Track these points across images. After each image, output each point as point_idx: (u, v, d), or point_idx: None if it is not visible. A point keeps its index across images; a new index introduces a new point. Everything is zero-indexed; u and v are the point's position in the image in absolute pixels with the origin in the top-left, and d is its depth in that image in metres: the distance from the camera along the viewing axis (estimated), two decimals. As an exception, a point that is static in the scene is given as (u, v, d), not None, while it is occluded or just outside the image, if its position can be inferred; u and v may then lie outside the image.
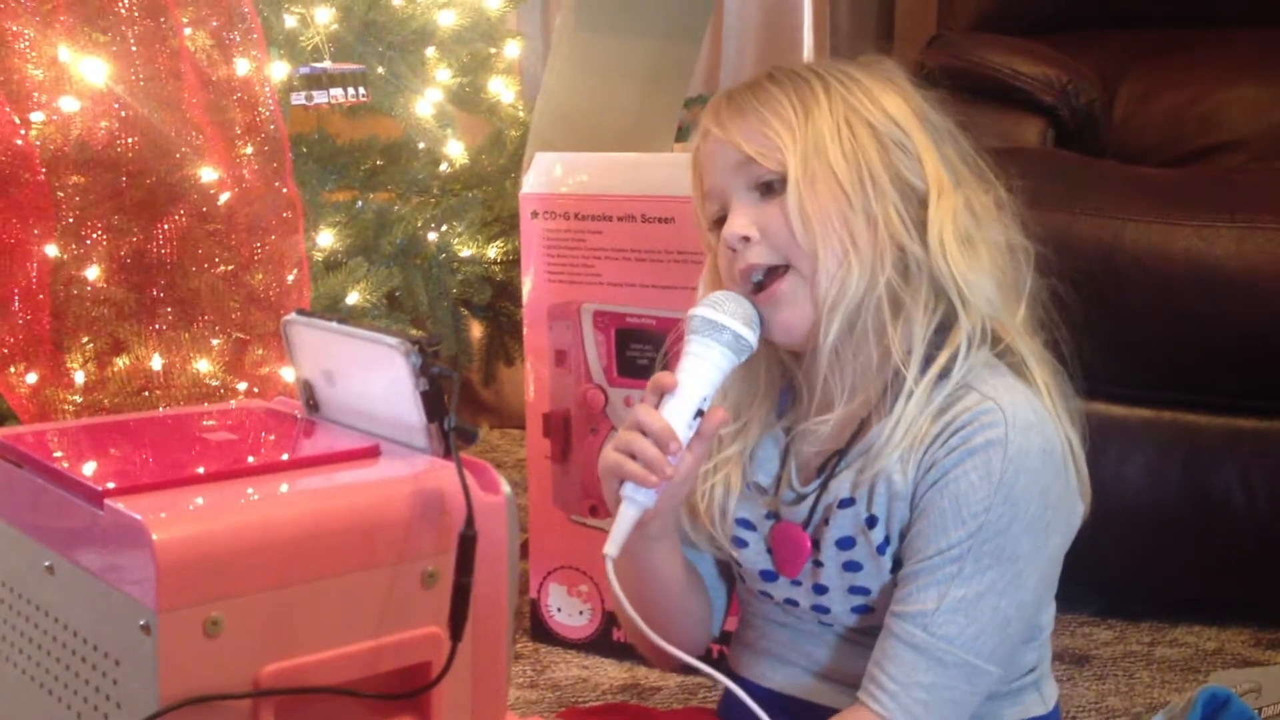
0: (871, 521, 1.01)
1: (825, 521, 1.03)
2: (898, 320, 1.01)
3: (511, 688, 1.52)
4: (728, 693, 1.15)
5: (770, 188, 1.03)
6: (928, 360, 1.00)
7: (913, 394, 0.99)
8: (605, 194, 1.55)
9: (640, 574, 1.08)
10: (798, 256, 1.02)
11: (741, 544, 1.09)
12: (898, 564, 1.01)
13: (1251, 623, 1.67)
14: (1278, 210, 1.62)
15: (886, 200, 1.01)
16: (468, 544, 0.83)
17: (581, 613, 1.62)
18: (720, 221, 1.05)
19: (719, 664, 1.53)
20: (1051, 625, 1.08)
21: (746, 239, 1.03)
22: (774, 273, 1.03)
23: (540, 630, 1.65)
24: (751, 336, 1.02)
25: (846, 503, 1.02)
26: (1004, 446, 0.97)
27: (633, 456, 0.99)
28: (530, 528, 1.65)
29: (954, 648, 0.96)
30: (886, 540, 1.01)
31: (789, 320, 1.03)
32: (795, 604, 1.07)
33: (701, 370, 1.01)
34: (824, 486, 1.04)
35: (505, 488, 0.89)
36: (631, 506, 0.99)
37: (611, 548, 0.99)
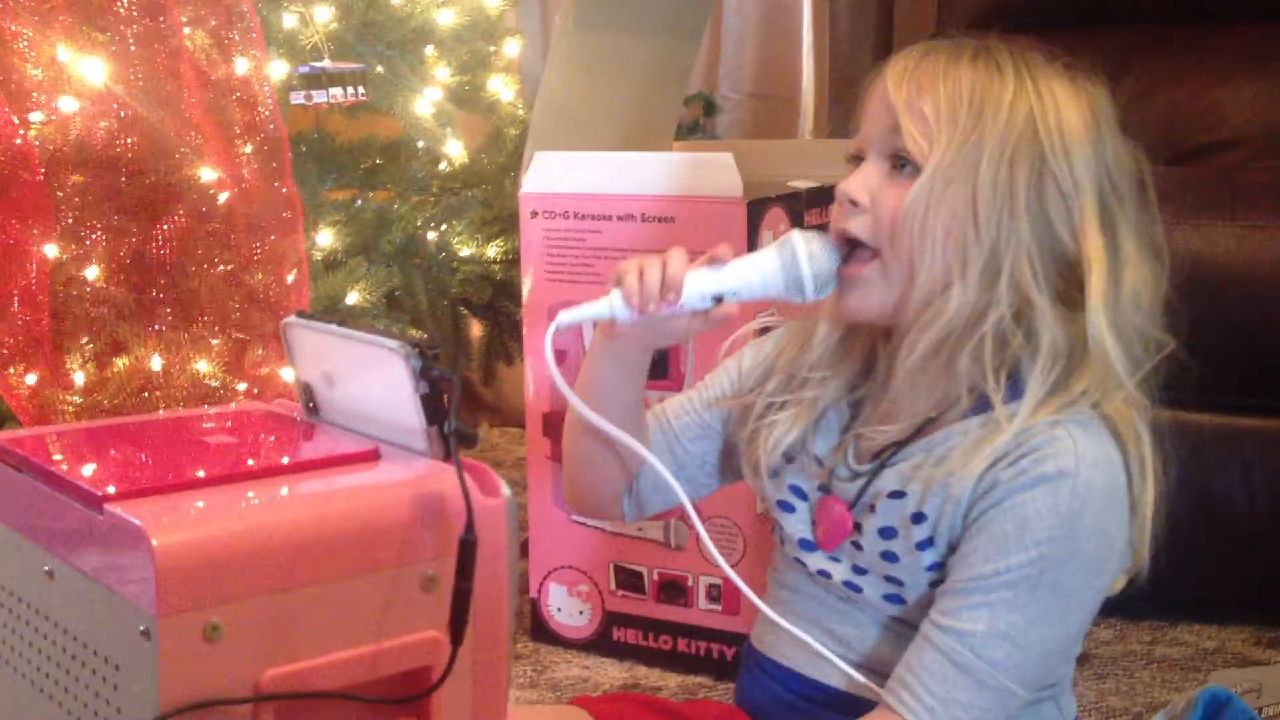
0: (918, 518, 0.99)
1: (871, 508, 1.02)
2: (1001, 366, 0.97)
3: (511, 688, 1.52)
4: (743, 680, 1.15)
5: (903, 164, 0.97)
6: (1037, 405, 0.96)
7: (1007, 432, 0.95)
8: (605, 193, 1.55)
9: (587, 376, 1.08)
10: (890, 251, 0.98)
11: (789, 508, 1.07)
12: (935, 566, 1.00)
13: (1251, 621, 1.68)
14: (1278, 209, 1.62)
15: (1022, 244, 0.95)
16: (468, 548, 0.83)
17: (582, 613, 1.62)
18: (856, 159, 1.01)
19: (723, 664, 1.54)
20: (1080, 645, 1.06)
21: (855, 204, 0.99)
22: (861, 252, 0.99)
23: (540, 630, 1.65)
24: (812, 292, 1.00)
25: (896, 494, 1.00)
26: (1073, 479, 0.94)
27: (641, 279, 0.99)
28: (530, 527, 1.65)
29: (998, 673, 0.94)
30: (930, 541, 0.99)
31: (857, 306, 1.00)
32: (828, 576, 1.05)
33: (750, 273, 1.00)
34: (877, 473, 1.02)
35: (505, 490, 0.89)
36: (605, 305, 1.01)
37: (565, 315, 1.01)
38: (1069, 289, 0.98)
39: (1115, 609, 1.69)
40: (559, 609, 1.64)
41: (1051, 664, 0.99)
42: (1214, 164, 1.99)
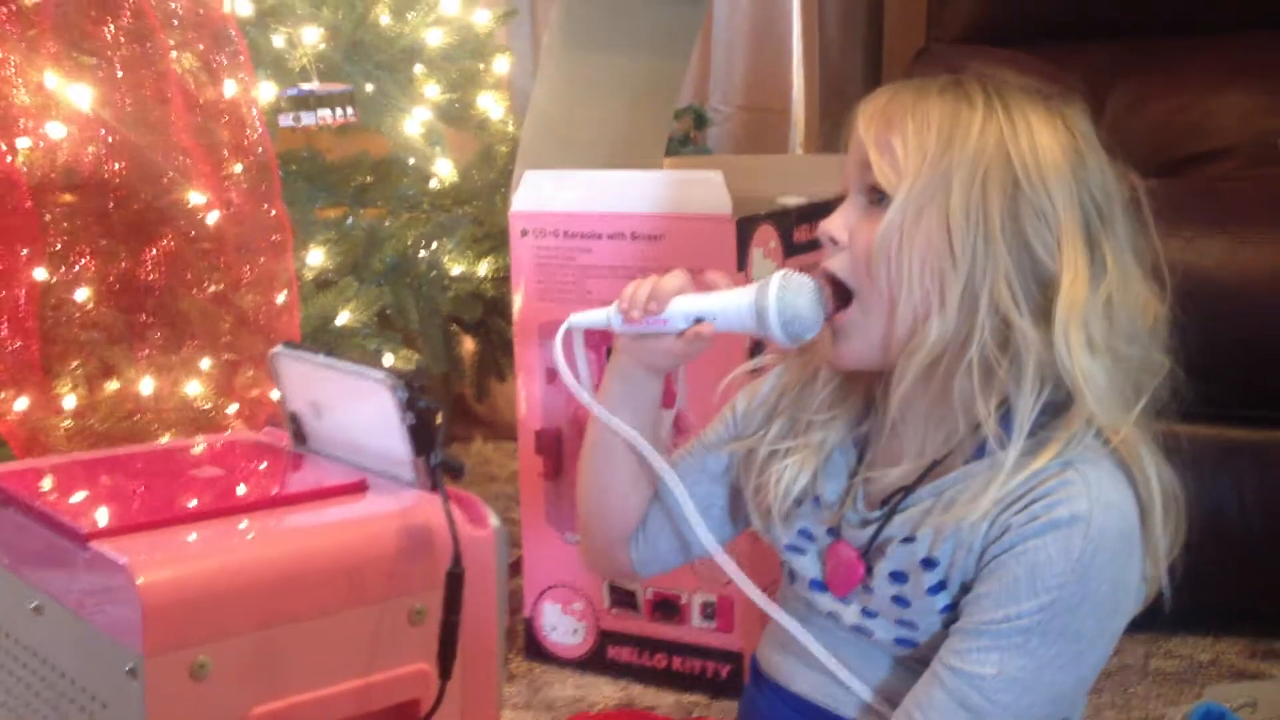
0: (929, 563, 0.98)
1: (882, 553, 1.00)
2: (990, 392, 0.95)
3: (506, 708, 1.52)
4: (748, 699, 1.14)
5: (877, 197, 0.97)
6: (1037, 440, 0.95)
7: (1012, 470, 0.94)
8: (595, 211, 1.55)
9: (601, 390, 1.09)
10: (867, 287, 0.97)
11: (799, 551, 1.06)
12: (947, 608, 0.98)
13: (1247, 633, 1.67)
14: (1268, 221, 1.62)
15: (999, 267, 0.94)
16: (455, 581, 0.83)
17: (576, 631, 1.62)
18: (841, 199, 1.02)
19: (717, 682, 1.54)
20: (1093, 682, 1.04)
21: (835, 242, 0.99)
22: (843, 298, 0.99)
23: (534, 649, 1.64)
24: (781, 336, 1.00)
25: (907, 540, 0.99)
26: (1086, 524, 0.92)
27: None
28: (524, 546, 1.65)
29: (1006, 716, 0.93)
30: (942, 585, 0.98)
31: (845, 354, 1.00)
32: (838, 618, 1.04)
33: (729, 303, 1.01)
34: (887, 519, 1.00)
35: (494, 521, 0.89)
36: (605, 313, 1.04)
37: (575, 318, 1.05)
38: (1053, 309, 0.96)
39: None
40: (553, 628, 1.63)
41: (1062, 707, 0.98)
42: (1204, 174, 1.99)
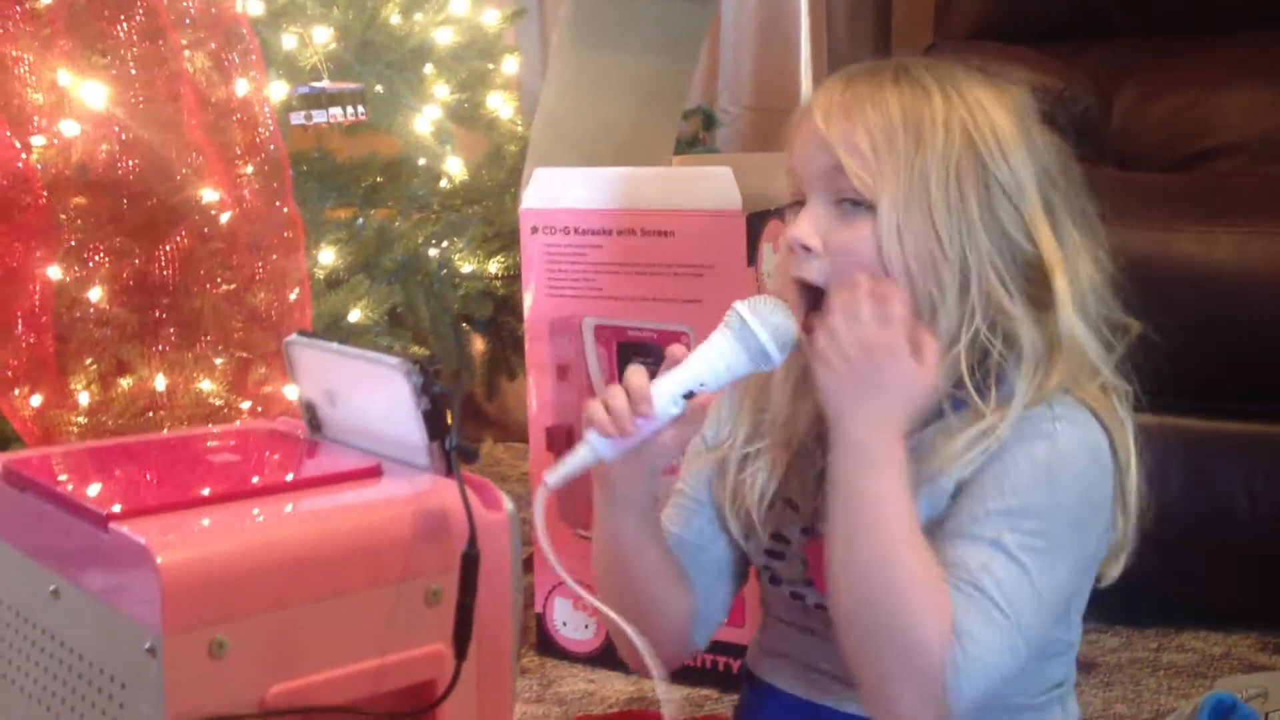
0: None
1: None
2: (983, 373, 0.96)
3: (517, 702, 1.52)
4: (744, 700, 1.15)
5: (851, 204, 0.96)
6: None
7: (990, 427, 0.95)
8: (604, 208, 1.56)
9: (607, 541, 1.05)
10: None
11: (777, 556, 1.06)
12: None
13: (1258, 627, 1.67)
14: (1276, 215, 1.63)
15: (984, 255, 0.95)
16: (470, 563, 0.83)
17: (587, 626, 1.62)
18: (797, 204, 1.00)
19: (728, 676, 1.54)
20: (1079, 643, 1.06)
21: (808, 249, 0.97)
22: (813, 299, 0.98)
23: (546, 644, 1.65)
24: (777, 357, 0.98)
25: None
26: (1053, 439, 0.95)
27: (607, 409, 0.96)
28: (535, 542, 1.65)
29: (1000, 609, 0.92)
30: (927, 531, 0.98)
31: None
32: (827, 610, 1.03)
33: (713, 359, 0.98)
34: None
35: (508, 504, 0.90)
36: (586, 450, 0.97)
37: (551, 477, 0.97)
38: (1035, 290, 0.98)
39: (1121, 616, 1.70)
40: (564, 623, 1.64)
41: (1045, 620, 0.96)
42: (1213, 170, 2.00)
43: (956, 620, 0.91)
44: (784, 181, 1.02)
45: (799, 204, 1.00)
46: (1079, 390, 0.98)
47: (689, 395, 0.97)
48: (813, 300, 0.98)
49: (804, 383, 1.04)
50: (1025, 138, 0.98)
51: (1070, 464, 0.96)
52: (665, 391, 0.97)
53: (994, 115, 0.97)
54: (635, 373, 0.97)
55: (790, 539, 1.06)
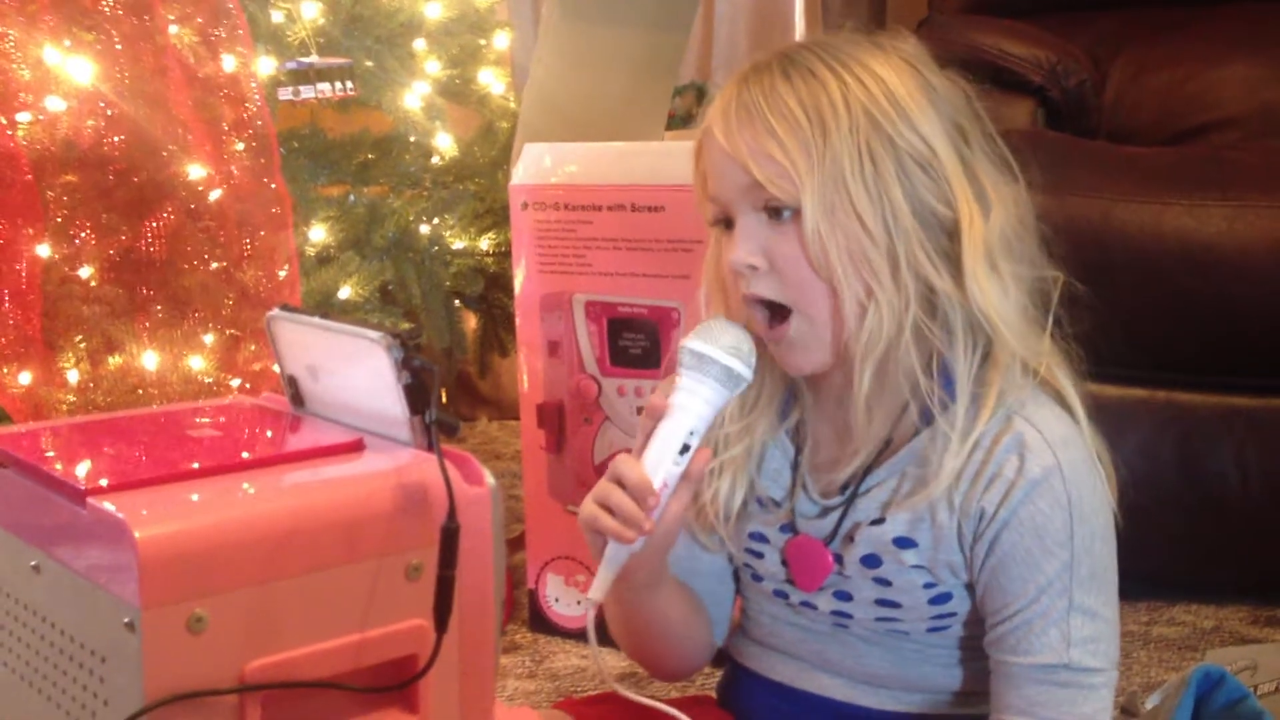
0: (904, 543, 0.98)
1: (850, 539, 1.00)
2: (929, 360, 0.95)
3: (510, 678, 1.52)
4: (728, 679, 1.15)
5: (779, 212, 0.94)
6: (972, 395, 0.95)
7: (963, 433, 0.94)
8: (595, 184, 1.55)
9: (633, 618, 1.06)
10: (808, 297, 0.95)
11: (756, 555, 1.06)
12: (931, 585, 0.99)
13: (1249, 600, 1.67)
14: (1269, 189, 1.62)
15: (910, 235, 0.93)
16: (450, 536, 0.83)
17: (579, 602, 1.62)
18: (723, 222, 0.98)
19: (719, 653, 1.54)
20: None
21: (755, 269, 0.96)
22: (779, 312, 0.97)
23: (539, 620, 1.65)
24: (745, 371, 0.96)
25: (877, 522, 0.99)
26: (1059, 471, 0.94)
27: (610, 511, 0.94)
28: (527, 519, 1.65)
29: (1098, 670, 0.95)
30: (924, 567, 0.98)
31: (800, 364, 0.98)
32: (813, 607, 1.04)
33: (691, 406, 0.96)
34: (850, 503, 1.00)
35: (489, 479, 0.89)
36: (612, 560, 0.96)
37: (596, 593, 0.96)
38: (961, 259, 0.95)
39: (1112, 590, 1.70)
40: (556, 599, 1.64)
41: (1117, 632, 0.99)
42: (1206, 144, 1.99)
43: (1069, 711, 0.94)
44: (702, 205, 1.00)
45: (724, 221, 0.98)
46: (1037, 363, 0.97)
47: (684, 450, 0.95)
48: (777, 315, 0.97)
49: (756, 387, 1.02)
50: (926, 92, 0.96)
51: (1083, 485, 0.96)
52: (662, 466, 0.95)
53: (888, 80, 0.94)
54: (628, 465, 0.94)
55: (769, 538, 1.05)
